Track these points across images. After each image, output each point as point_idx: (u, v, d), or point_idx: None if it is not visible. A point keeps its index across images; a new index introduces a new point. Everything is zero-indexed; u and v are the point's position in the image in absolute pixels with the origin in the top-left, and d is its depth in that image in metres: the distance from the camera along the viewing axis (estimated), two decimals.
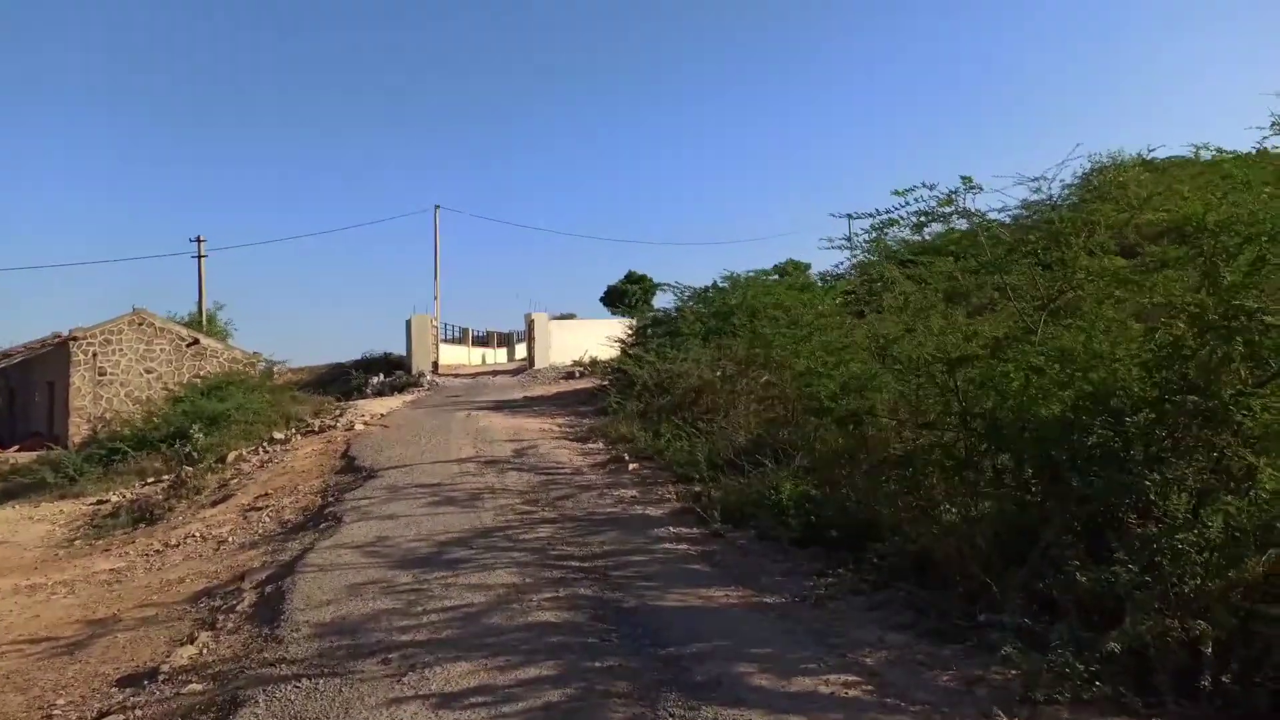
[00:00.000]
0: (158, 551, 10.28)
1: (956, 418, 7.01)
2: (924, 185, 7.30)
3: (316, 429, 17.66)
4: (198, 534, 10.72)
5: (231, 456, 15.48)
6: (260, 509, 11.42)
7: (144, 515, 12.80)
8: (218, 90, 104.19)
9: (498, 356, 47.59)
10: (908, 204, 7.45)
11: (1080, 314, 7.31)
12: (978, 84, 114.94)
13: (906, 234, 8.30)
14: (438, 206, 38.13)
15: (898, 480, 7.40)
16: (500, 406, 20.18)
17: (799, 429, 10.72)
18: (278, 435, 18.01)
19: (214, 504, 12.47)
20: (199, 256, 32.28)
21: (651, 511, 9.11)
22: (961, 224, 8.39)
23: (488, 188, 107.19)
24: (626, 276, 54.44)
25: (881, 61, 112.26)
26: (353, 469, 12.75)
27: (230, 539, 10.10)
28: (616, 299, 53.41)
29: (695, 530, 8.20)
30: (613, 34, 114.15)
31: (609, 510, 9.24)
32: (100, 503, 15.71)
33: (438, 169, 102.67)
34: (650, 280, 54.09)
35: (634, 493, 10.16)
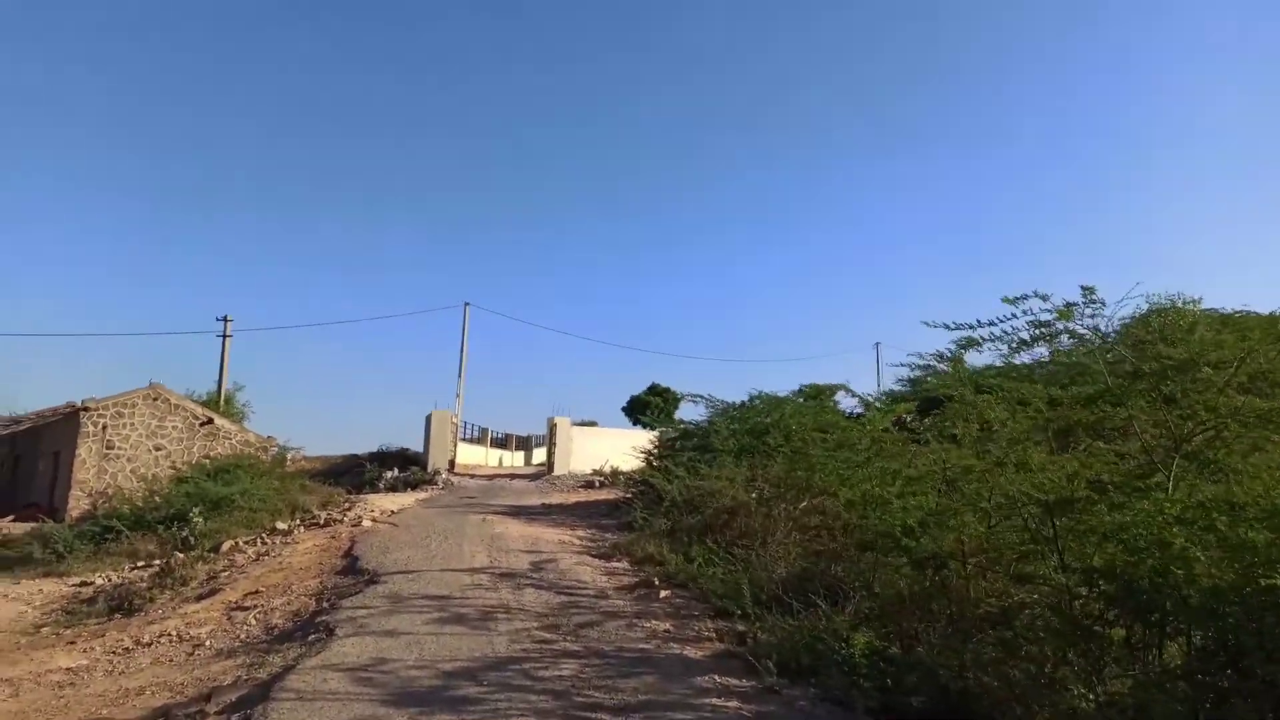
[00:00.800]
0: (126, 650, 9.03)
1: (1064, 572, 5.87)
2: (1036, 294, 6.28)
3: (321, 522, 16.48)
4: (174, 633, 9.48)
5: (226, 546, 14.26)
6: (248, 609, 10.18)
7: (122, 604, 11.55)
8: (251, 179, 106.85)
9: (515, 459, 46.47)
10: (1016, 315, 6.42)
11: (1213, 462, 6.22)
12: (996, 224, 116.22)
13: (1002, 352, 7.24)
14: (467, 304, 37.76)
15: (993, 643, 6.16)
16: (518, 512, 18.96)
17: (853, 565, 9.51)
18: (280, 526, 16.84)
19: (199, 598, 11.23)
20: (224, 336, 31.74)
21: (690, 652, 7.80)
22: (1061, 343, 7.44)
23: (511, 294, 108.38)
24: (650, 388, 53.62)
25: (907, 193, 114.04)
26: (354, 570, 11.53)
27: (208, 642, 8.85)
28: (639, 409, 52.43)
29: (745, 683, 6.88)
30: (649, 158, 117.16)
31: (640, 646, 7.94)
32: (84, 584, 14.51)
33: (464, 270, 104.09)
34: (674, 393, 53.25)
35: (667, 626, 8.87)
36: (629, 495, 20.48)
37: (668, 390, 52.92)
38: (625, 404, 53.97)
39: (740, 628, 8.68)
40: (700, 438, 19.15)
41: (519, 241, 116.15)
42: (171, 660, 8.33)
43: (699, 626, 8.91)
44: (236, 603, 10.59)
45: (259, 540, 14.69)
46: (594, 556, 13.27)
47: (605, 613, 9.31)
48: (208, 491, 18.79)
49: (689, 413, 28.73)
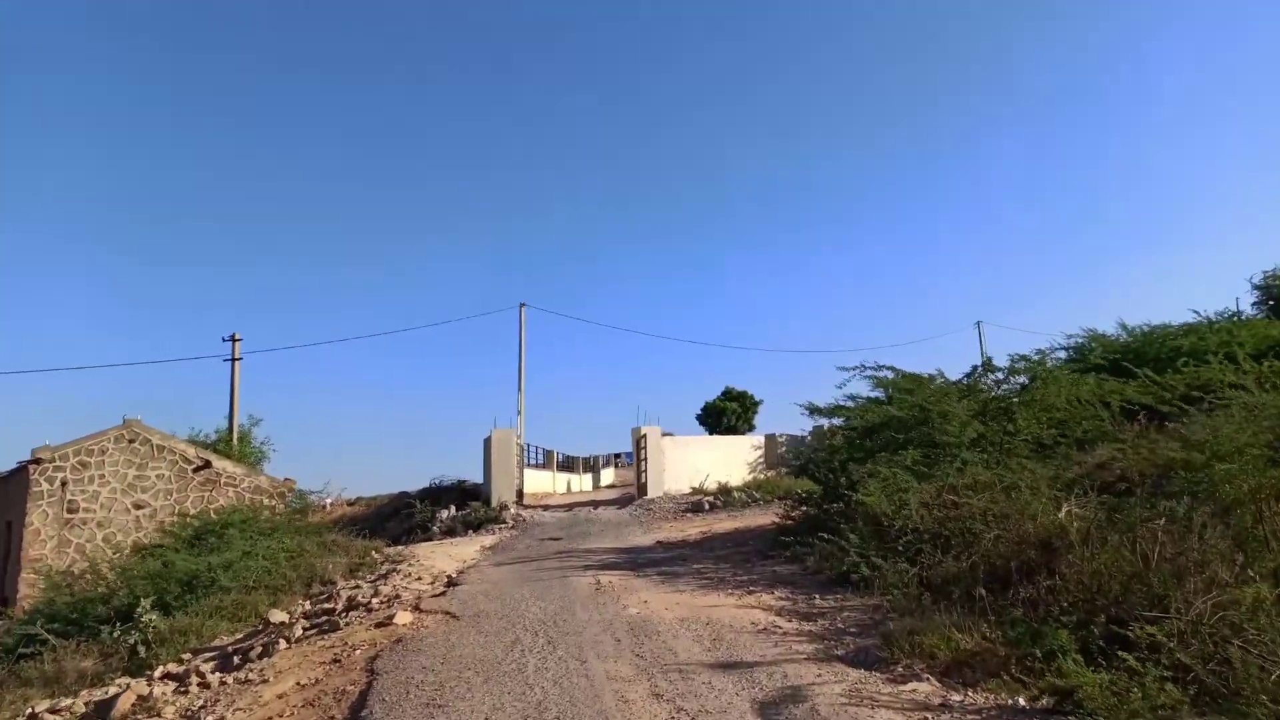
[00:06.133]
0: None
1: None
2: None
3: (336, 612, 9.58)
4: None
5: (125, 703, 7.08)
6: None
7: None
8: (265, 189, 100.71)
9: (583, 483, 39.61)
10: None
11: None
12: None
13: None
14: (523, 305, 31.08)
15: None
16: (634, 562, 12.03)
17: None
18: (277, 616, 10.08)
19: None
20: (233, 359, 25.03)
21: None
22: None
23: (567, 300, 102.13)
24: (724, 393, 46.70)
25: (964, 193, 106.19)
26: None
27: None
28: (715, 417, 45.56)
29: None
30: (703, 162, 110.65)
31: None
32: None
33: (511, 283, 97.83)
34: (751, 396, 46.39)
35: None
36: (790, 518, 13.50)
37: (745, 393, 46.04)
38: (699, 412, 47.03)
39: None
40: (904, 428, 12.02)
41: (575, 249, 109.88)
42: None
43: None
44: None
45: (193, 677, 7.39)
46: (850, 665, 6.28)
47: None
48: (175, 567, 12.10)
49: (858, 388, 20.32)
